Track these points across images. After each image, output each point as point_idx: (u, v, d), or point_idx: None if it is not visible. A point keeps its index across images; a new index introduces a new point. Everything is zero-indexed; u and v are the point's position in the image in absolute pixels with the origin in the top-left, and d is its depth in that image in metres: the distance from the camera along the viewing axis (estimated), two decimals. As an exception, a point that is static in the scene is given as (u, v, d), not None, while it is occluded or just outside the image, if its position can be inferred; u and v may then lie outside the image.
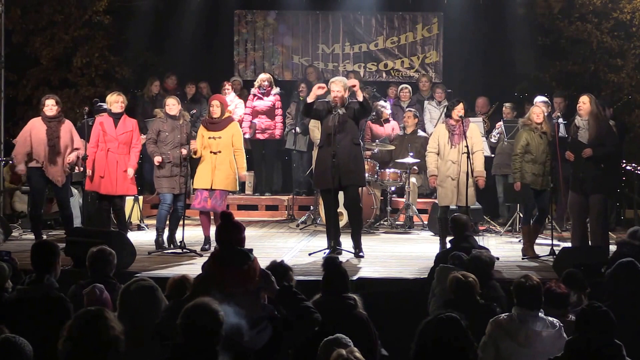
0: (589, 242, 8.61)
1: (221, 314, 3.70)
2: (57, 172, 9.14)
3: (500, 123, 11.03)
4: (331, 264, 5.63)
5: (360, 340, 4.43)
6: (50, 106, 9.16)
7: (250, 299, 4.87)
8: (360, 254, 8.65)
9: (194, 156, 9.01)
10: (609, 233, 10.38)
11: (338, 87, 8.70)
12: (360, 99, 8.67)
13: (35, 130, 9.16)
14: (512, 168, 9.04)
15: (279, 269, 5.56)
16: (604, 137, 8.53)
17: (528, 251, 8.85)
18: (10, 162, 11.64)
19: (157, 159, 8.98)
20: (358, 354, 3.73)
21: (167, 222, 9.16)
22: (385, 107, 11.75)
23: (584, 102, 8.63)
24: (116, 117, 9.12)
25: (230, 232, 5.12)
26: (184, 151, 8.96)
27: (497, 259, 7.72)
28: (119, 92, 9.49)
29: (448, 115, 9.13)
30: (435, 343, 3.77)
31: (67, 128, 9.26)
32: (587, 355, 4.29)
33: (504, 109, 11.58)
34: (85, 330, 3.51)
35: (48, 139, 9.09)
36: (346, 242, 8.87)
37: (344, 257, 8.44)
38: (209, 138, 8.98)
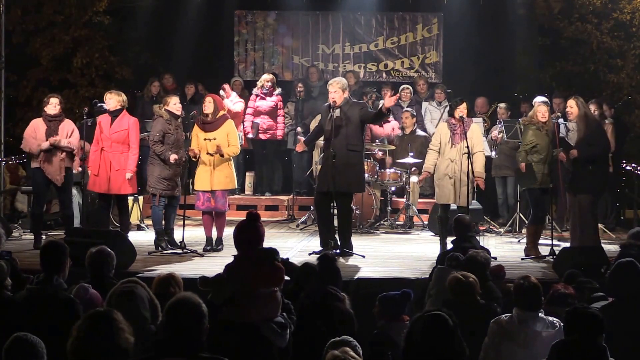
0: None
1: (204, 307, 3.71)
2: (55, 171, 9.09)
3: (496, 133, 11.00)
4: (325, 259, 5.74)
5: (341, 335, 4.44)
6: (54, 105, 9.13)
7: (277, 300, 4.90)
8: (347, 250, 8.62)
9: (194, 159, 8.93)
10: (610, 233, 10.41)
11: (335, 88, 8.69)
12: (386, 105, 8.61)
13: (36, 129, 9.14)
14: (518, 156, 8.97)
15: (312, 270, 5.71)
16: (592, 138, 8.56)
17: (532, 251, 8.85)
18: (16, 162, 11.69)
19: (174, 157, 8.79)
20: (352, 353, 3.73)
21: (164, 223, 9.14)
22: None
23: (571, 106, 8.68)
24: (114, 115, 9.08)
25: (256, 233, 5.14)
26: (175, 156, 8.82)
27: (495, 258, 7.72)
28: (115, 90, 9.42)
29: (450, 114, 9.12)
30: (420, 340, 3.76)
31: (66, 128, 9.18)
32: (571, 357, 4.27)
33: (498, 109, 11.60)
34: (93, 330, 3.52)
35: (46, 138, 9.07)
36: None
37: (345, 258, 8.46)
38: (204, 139, 8.83)
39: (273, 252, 5.10)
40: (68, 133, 9.16)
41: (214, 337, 4.09)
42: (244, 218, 5.23)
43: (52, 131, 9.09)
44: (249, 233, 5.12)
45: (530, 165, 8.79)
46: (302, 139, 9.47)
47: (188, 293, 3.84)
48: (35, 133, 9.11)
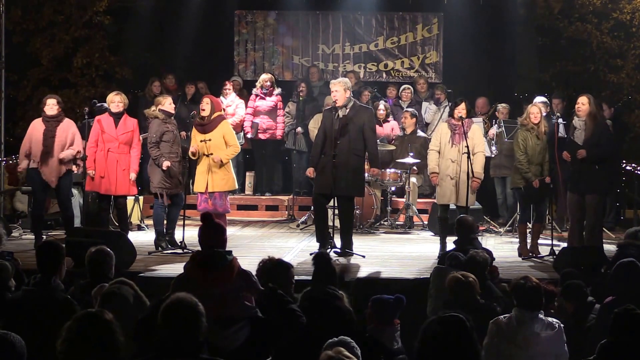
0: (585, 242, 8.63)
1: (200, 307, 3.71)
2: (50, 172, 9.05)
3: (492, 130, 10.99)
4: (320, 259, 5.73)
5: (342, 334, 4.45)
6: (51, 105, 9.11)
7: (228, 299, 4.90)
8: (347, 250, 8.59)
9: (193, 157, 8.95)
10: (609, 233, 10.41)
11: (336, 87, 8.64)
12: None
13: (34, 130, 9.13)
14: (522, 172, 8.93)
15: (279, 267, 5.60)
16: (599, 138, 8.54)
17: (523, 250, 8.89)
18: (15, 162, 11.67)
19: (166, 164, 8.81)
20: (347, 352, 3.73)
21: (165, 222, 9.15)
22: (379, 107, 11.69)
23: (583, 103, 8.61)
24: (116, 116, 9.10)
25: (210, 234, 5.16)
26: (167, 163, 8.82)
27: (494, 259, 7.72)
28: (119, 92, 9.47)
29: (451, 114, 9.12)
30: (438, 342, 3.77)
31: (66, 128, 9.12)
32: (620, 359, 4.28)
33: (498, 109, 11.59)
34: (85, 331, 3.49)
35: (43, 139, 9.04)
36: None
37: (346, 258, 8.46)
38: (201, 141, 8.84)
39: (220, 255, 5.09)
40: (67, 136, 9.11)
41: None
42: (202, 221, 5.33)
43: (49, 131, 9.05)
44: (207, 235, 5.18)
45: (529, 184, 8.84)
46: (312, 169, 8.82)
47: (183, 293, 3.81)
48: (32, 134, 9.11)
